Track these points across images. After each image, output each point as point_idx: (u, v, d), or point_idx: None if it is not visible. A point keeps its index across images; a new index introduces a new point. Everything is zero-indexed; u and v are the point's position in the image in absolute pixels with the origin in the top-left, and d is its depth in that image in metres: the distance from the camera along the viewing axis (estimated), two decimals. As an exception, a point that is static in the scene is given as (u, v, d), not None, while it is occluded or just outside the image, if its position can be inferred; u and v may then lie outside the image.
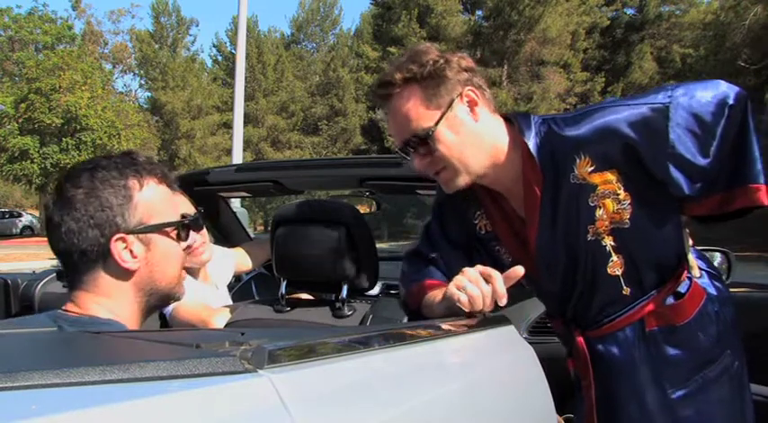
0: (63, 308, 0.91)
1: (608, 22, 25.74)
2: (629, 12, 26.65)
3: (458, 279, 1.03)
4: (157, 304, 0.96)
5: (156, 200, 0.92)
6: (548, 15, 22.10)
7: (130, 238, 0.89)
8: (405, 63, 1.06)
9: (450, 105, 1.04)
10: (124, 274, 0.90)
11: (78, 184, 0.88)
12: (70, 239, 0.87)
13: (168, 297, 0.96)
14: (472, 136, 1.06)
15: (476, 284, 1.01)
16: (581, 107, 1.14)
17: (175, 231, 0.94)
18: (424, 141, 1.05)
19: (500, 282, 1.01)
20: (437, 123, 1.04)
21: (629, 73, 25.17)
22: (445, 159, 1.06)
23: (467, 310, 1.01)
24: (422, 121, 1.04)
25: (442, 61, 1.05)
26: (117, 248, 0.88)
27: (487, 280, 1.02)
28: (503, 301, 1.01)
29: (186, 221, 0.96)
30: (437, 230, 1.24)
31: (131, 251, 0.89)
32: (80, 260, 0.88)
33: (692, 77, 19.42)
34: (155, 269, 0.92)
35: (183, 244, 0.96)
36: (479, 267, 1.04)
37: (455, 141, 1.05)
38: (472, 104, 1.06)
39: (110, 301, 0.90)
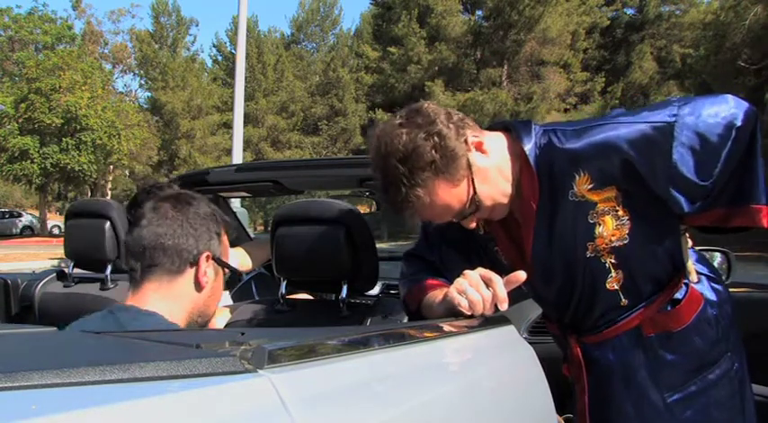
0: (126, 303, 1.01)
1: (608, 22, 25.75)
2: (629, 12, 26.66)
3: (458, 282, 1.03)
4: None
5: (225, 246, 1.11)
6: (548, 15, 22.09)
7: (212, 261, 1.04)
8: (414, 173, 0.98)
9: (469, 167, 1.02)
10: (196, 287, 1.03)
11: (193, 202, 1.06)
12: (170, 238, 1.00)
13: (203, 326, 1.07)
14: (495, 171, 1.05)
15: (476, 288, 1.00)
16: (584, 119, 1.11)
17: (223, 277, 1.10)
18: (469, 210, 1.05)
19: (501, 286, 1.01)
20: (470, 187, 1.02)
21: (629, 73, 25.17)
22: (492, 205, 1.06)
23: (467, 314, 1.01)
24: (462, 198, 1.03)
25: (437, 140, 0.98)
26: (203, 263, 1.02)
27: (488, 284, 1.01)
28: (503, 306, 1.01)
29: (244, 277, 1.14)
30: (435, 231, 1.23)
31: (206, 272, 1.03)
32: (169, 258, 1.00)
33: (692, 77, 19.43)
34: (211, 297, 1.06)
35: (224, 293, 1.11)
36: (480, 270, 1.03)
37: (491, 188, 1.05)
38: (479, 147, 1.04)
39: (174, 305, 1.00)
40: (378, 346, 0.72)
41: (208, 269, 1.03)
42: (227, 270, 1.09)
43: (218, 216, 1.08)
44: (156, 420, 0.43)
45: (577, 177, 1.03)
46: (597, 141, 1.01)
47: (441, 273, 1.20)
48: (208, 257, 1.03)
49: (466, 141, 1.02)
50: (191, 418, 0.45)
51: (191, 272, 1.02)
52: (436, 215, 1.05)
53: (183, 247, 1.00)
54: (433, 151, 0.98)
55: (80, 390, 0.43)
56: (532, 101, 22.61)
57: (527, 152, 1.04)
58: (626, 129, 1.00)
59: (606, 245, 1.06)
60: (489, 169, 1.04)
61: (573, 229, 1.06)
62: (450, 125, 1.01)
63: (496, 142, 1.08)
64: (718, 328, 1.14)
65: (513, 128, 1.08)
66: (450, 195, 1.01)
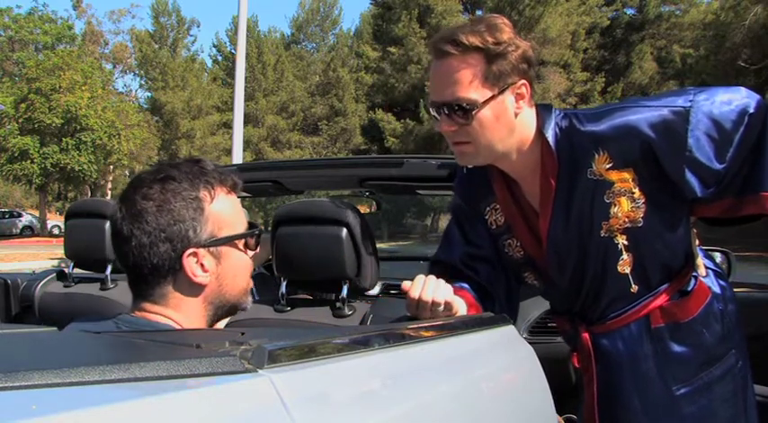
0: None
1: (608, 22, 25.72)
2: (629, 12, 26.64)
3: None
4: (224, 315, 0.95)
5: (226, 211, 0.91)
6: (548, 15, 22.09)
7: (202, 251, 0.87)
8: (482, 32, 1.01)
9: (502, 91, 1.03)
10: (195, 288, 0.89)
11: (149, 196, 0.86)
12: (141, 253, 0.86)
13: (235, 308, 0.95)
14: (507, 126, 1.06)
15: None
16: (603, 105, 1.15)
17: (244, 242, 0.93)
18: (463, 111, 1.03)
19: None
20: (485, 102, 1.02)
21: (629, 73, 25.17)
22: (473, 136, 1.05)
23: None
24: (472, 93, 1.02)
25: (513, 46, 1.02)
26: (189, 263, 0.87)
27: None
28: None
29: (256, 232, 0.95)
30: (455, 231, 1.24)
31: (202, 265, 0.88)
32: (150, 274, 0.87)
33: (692, 77, 19.43)
34: (224, 282, 0.91)
35: (251, 253, 0.95)
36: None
37: (491, 125, 1.04)
38: (519, 98, 1.05)
39: (178, 315, 0.89)
40: (378, 346, 0.72)
41: (203, 260, 0.91)
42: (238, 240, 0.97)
43: (192, 187, 0.92)
44: (156, 420, 0.43)
45: (597, 156, 1.06)
46: (618, 124, 1.04)
47: (452, 275, 1.19)
48: (194, 253, 0.90)
49: (515, 83, 1.03)
50: (191, 418, 0.45)
51: (179, 278, 0.91)
52: (444, 83, 1.04)
53: (157, 260, 0.89)
54: (505, 43, 1.01)
55: (80, 390, 0.43)
56: (532, 101, 22.58)
57: (546, 134, 1.07)
58: (647, 113, 1.04)
59: (620, 225, 1.08)
60: (507, 116, 1.05)
61: (590, 207, 1.08)
62: (524, 62, 1.04)
63: (529, 114, 1.09)
64: (724, 324, 1.15)
65: (536, 106, 1.11)
66: (472, 82, 1.02)
